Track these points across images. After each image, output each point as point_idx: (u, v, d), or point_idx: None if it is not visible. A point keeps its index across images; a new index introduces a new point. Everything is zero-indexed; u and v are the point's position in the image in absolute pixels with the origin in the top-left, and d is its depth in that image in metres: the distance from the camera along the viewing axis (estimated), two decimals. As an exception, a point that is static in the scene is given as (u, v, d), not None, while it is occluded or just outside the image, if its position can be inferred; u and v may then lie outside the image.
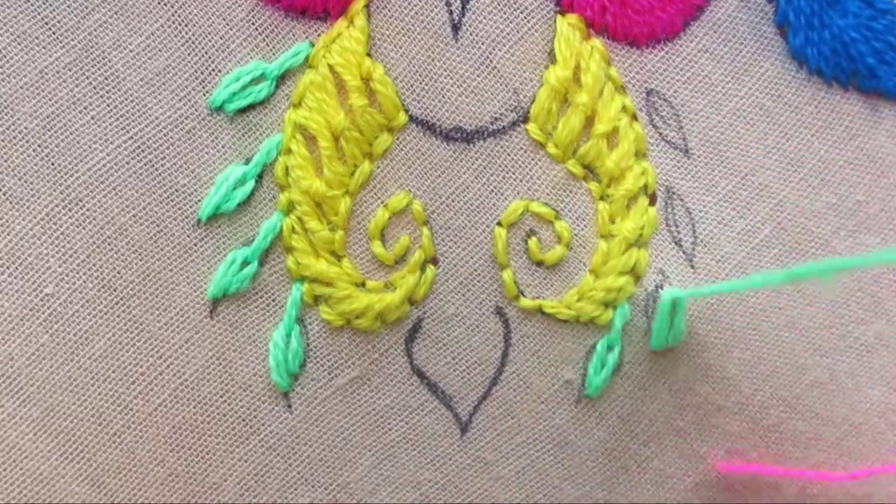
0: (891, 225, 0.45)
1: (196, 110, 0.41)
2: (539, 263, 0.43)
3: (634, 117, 0.43)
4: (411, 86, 0.42)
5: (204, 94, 0.41)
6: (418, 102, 0.42)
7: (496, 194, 0.43)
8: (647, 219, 0.43)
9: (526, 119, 0.43)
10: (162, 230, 0.41)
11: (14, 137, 0.40)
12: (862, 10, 0.44)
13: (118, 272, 0.41)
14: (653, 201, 0.44)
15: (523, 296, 0.43)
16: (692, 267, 0.44)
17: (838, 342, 0.45)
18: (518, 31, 0.42)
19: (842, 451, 0.46)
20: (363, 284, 0.42)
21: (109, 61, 0.40)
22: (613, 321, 0.43)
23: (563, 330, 0.43)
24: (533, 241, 0.43)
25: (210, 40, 0.41)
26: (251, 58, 0.41)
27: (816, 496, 0.46)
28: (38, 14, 0.40)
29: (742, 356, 0.45)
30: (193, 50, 0.41)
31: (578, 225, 0.43)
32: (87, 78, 0.40)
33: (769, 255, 0.44)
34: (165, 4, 0.41)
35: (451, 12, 0.42)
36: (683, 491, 0.45)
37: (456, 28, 0.42)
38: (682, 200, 0.44)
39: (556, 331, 0.43)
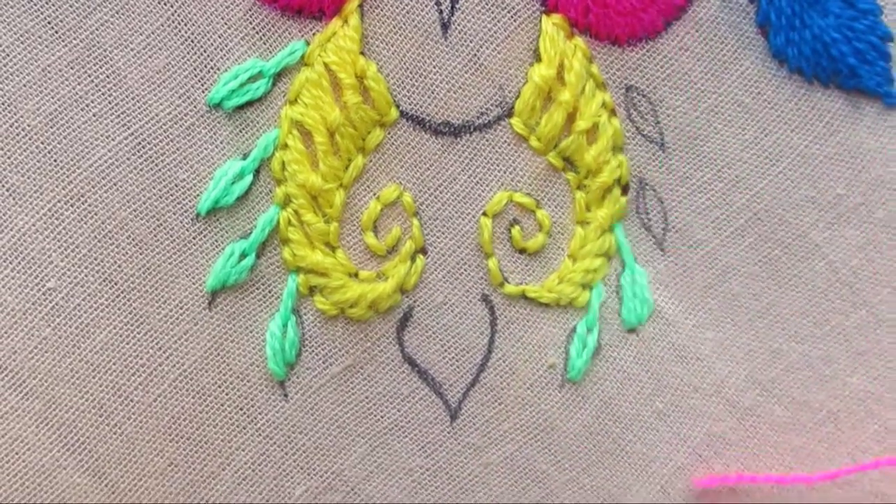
0: (871, 218, 0.46)
1: (195, 107, 0.41)
2: (522, 251, 0.44)
3: (613, 113, 0.44)
4: (402, 82, 0.43)
5: (203, 92, 0.41)
6: (409, 98, 0.43)
7: (482, 185, 0.44)
8: (619, 207, 0.44)
9: (511, 114, 0.43)
10: (162, 224, 0.41)
11: (17, 134, 0.41)
12: (843, 11, 0.44)
13: (119, 266, 0.41)
14: (625, 191, 0.44)
15: (508, 282, 0.44)
16: (662, 250, 0.45)
17: (814, 329, 0.46)
18: (505, 30, 0.43)
19: (820, 438, 0.46)
20: (356, 275, 0.43)
21: (111, 60, 0.41)
22: (591, 302, 0.44)
23: (545, 314, 0.44)
24: (516, 230, 0.44)
25: (209, 39, 0.41)
26: (249, 56, 0.41)
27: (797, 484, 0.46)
28: (41, 13, 0.40)
29: (715, 337, 0.45)
30: (193, 48, 0.41)
31: (557, 213, 0.44)
32: (89, 76, 0.41)
33: (744, 244, 0.45)
34: (165, 4, 0.41)
35: (440, 12, 0.42)
36: (666, 475, 0.46)
37: (445, 27, 0.42)
38: (654, 191, 0.45)
39: (539, 315, 0.44)
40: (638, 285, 0.44)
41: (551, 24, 0.43)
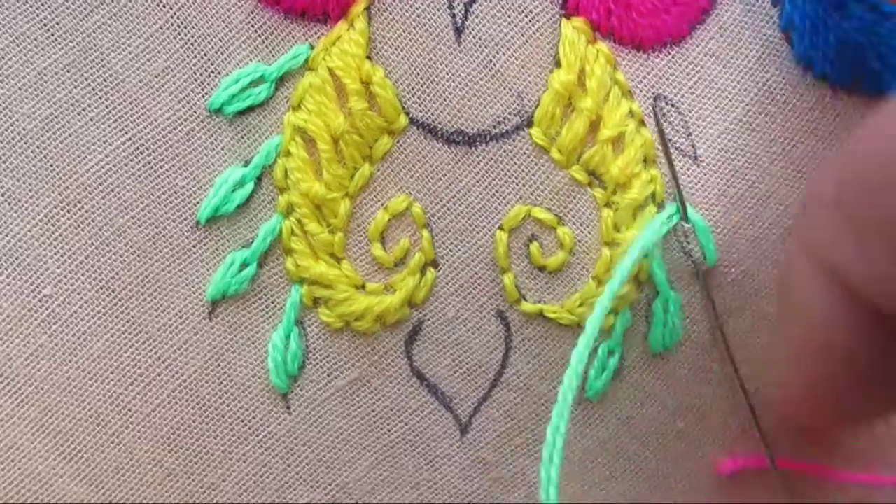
0: None
1: (195, 112, 0.41)
2: (541, 268, 0.43)
3: (642, 123, 0.43)
4: (412, 89, 0.42)
5: (203, 96, 0.41)
6: (419, 105, 0.42)
7: (498, 198, 0.42)
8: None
9: (530, 123, 0.42)
10: (161, 232, 0.41)
11: (13, 138, 0.40)
12: (867, 14, 0.43)
13: (117, 273, 0.41)
14: (661, 209, 0.43)
15: (525, 300, 0.43)
16: (698, 275, 0.44)
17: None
18: (522, 35, 0.42)
19: (838, 455, 0.46)
20: (363, 287, 0.42)
21: (108, 63, 0.40)
22: (615, 327, 0.43)
23: (563, 334, 0.43)
24: (534, 247, 0.43)
25: (209, 42, 0.41)
26: (250, 60, 0.41)
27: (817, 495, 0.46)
28: (37, 16, 0.40)
29: (744, 358, 0.44)
30: (193, 52, 0.41)
31: (582, 231, 0.43)
32: (86, 79, 0.40)
33: (774, 262, 0.44)
34: (164, 6, 0.40)
35: (453, 15, 0.41)
36: (683, 491, 0.45)
37: (459, 31, 0.41)
38: (692, 210, 0.43)
39: (557, 335, 0.43)
40: (670, 314, 0.43)
41: (571, 28, 0.42)
